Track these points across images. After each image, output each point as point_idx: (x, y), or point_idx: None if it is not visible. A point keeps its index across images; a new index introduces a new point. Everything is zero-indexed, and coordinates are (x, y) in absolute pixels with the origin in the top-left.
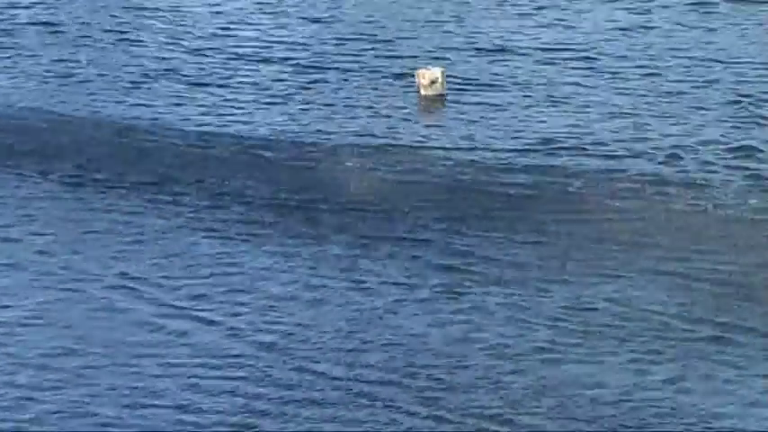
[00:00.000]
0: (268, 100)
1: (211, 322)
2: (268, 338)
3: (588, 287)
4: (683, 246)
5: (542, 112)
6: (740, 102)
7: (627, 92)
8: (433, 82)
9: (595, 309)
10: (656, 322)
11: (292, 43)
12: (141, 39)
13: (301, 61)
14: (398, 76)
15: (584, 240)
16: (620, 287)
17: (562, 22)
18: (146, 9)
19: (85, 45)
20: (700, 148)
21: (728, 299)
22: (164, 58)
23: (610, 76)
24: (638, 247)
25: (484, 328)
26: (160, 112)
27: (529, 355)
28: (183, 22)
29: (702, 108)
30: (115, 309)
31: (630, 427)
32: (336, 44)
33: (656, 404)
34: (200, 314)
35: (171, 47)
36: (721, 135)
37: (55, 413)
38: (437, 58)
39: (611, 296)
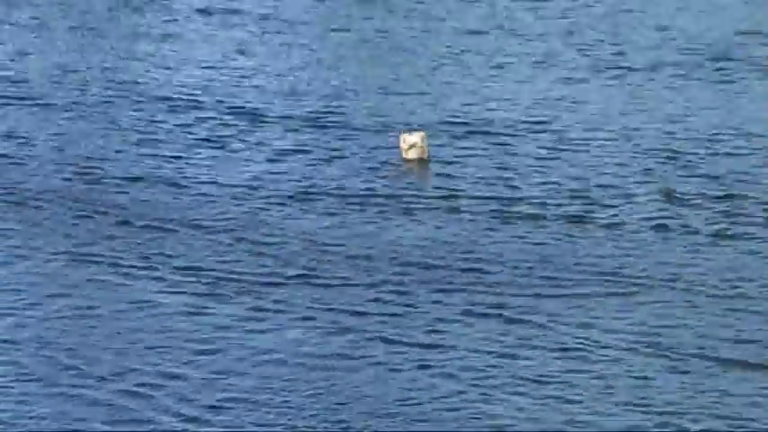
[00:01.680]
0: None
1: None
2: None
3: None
4: None
5: (520, 174)
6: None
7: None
8: (412, 146)
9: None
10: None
11: (282, 99)
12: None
13: (289, 119)
14: (384, 139)
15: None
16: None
17: (542, 97)
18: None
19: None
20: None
21: None
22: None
23: (581, 143)
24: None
25: None
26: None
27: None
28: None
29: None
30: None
31: None
32: (324, 105)
33: None
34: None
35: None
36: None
37: None
38: (422, 124)
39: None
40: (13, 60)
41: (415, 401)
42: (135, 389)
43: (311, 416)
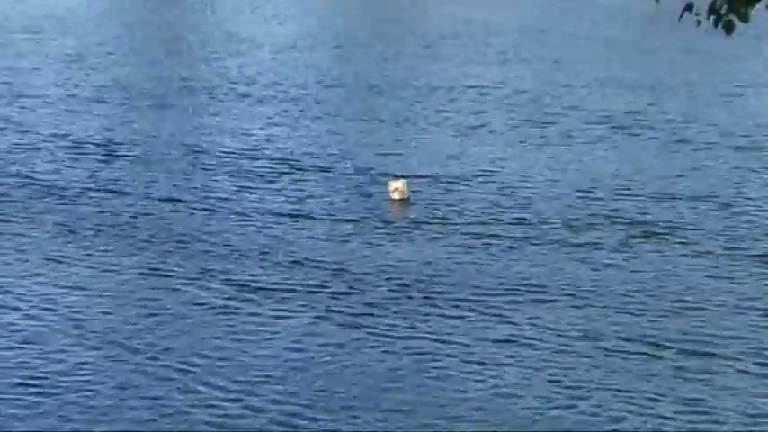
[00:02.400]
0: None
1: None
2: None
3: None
4: None
5: (473, 212)
6: None
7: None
8: (396, 189)
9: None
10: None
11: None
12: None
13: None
14: (376, 184)
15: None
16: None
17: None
18: None
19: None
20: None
21: None
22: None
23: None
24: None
25: None
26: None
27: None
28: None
29: None
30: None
31: None
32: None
33: None
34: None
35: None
36: None
37: None
38: (406, 173)
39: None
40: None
41: (395, 379)
42: (186, 368)
43: (317, 390)
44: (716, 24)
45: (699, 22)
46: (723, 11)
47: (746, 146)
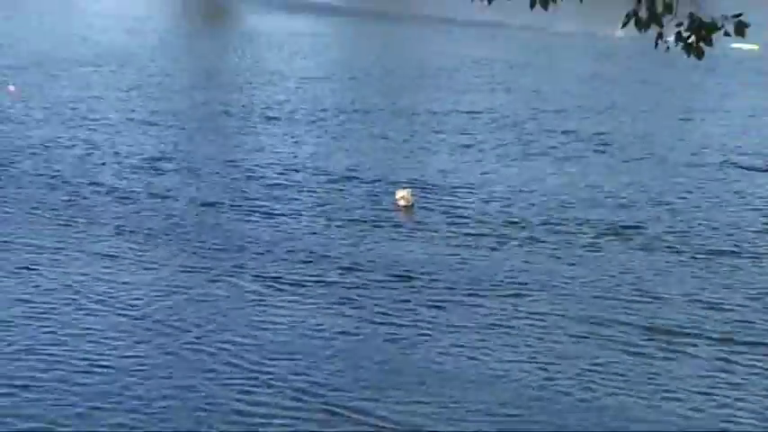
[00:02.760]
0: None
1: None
2: None
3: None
4: None
5: (471, 218)
6: None
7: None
8: (402, 197)
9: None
10: None
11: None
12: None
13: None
14: (385, 193)
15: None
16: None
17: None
18: None
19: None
20: None
21: None
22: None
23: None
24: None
25: None
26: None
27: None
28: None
29: None
30: None
31: None
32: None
33: None
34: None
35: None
36: None
37: None
38: (412, 183)
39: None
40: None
41: (399, 358)
42: (223, 346)
43: (335, 364)
44: (688, 53)
45: (668, 48)
46: (690, 40)
47: (694, 162)
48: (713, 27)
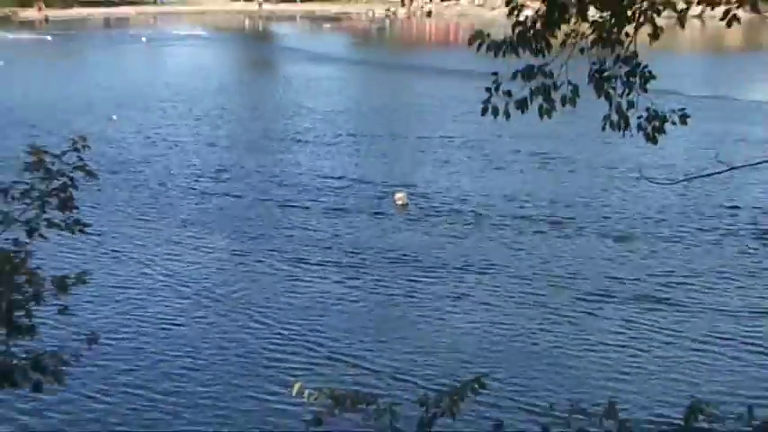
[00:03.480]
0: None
1: None
2: None
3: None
4: None
5: (457, 207)
6: None
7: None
8: (399, 198)
9: None
10: None
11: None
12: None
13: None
14: (386, 194)
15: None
16: None
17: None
18: None
19: None
20: None
21: None
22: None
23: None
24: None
25: None
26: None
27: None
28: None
29: None
30: None
31: None
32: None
33: None
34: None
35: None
36: None
37: None
38: (406, 187)
39: None
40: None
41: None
42: (264, 312)
43: (347, 322)
44: (647, 140)
45: (631, 135)
46: (648, 130)
47: (613, 172)
48: (664, 119)
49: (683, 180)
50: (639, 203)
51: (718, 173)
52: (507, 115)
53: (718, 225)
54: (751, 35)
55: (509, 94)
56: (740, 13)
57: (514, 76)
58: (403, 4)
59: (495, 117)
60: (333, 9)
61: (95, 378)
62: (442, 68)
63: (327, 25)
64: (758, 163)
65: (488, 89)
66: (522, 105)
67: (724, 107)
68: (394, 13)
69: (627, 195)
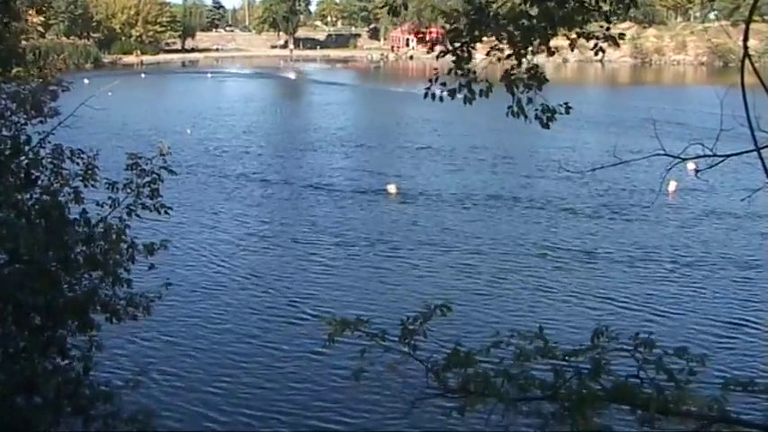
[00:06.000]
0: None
1: None
2: None
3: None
4: None
5: (441, 197)
6: None
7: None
8: (391, 188)
9: None
10: None
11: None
12: None
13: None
14: (381, 186)
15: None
16: None
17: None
18: None
19: None
20: None
21: None
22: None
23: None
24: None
25: None
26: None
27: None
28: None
29: None
30: None
31: None
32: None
33: None
34: None
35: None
36: None
37: None
38: (397, 180)
39: None
40: None
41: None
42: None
43: (353, 289)
44: (542, 126)
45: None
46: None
47: (540, 166)
48: (554, 111)
49: (589, 170)
50: (560, 187)
51: (613, 165)
52: (441, 99)
53: (607, 203)
54: (638, 75)
55: (444, 84)
56: (628, 59)
57: (449, 72)
58: (392, 51)
59: (433, 100)
60: (343, 54)
61: (171, 314)
62: (419, 95)
63: (339, 65)
64: (643, 158)
65: (429, 80)
66: (452, 94)
67: (618, 124)
68: (386, 57)
69: (549, 182)
